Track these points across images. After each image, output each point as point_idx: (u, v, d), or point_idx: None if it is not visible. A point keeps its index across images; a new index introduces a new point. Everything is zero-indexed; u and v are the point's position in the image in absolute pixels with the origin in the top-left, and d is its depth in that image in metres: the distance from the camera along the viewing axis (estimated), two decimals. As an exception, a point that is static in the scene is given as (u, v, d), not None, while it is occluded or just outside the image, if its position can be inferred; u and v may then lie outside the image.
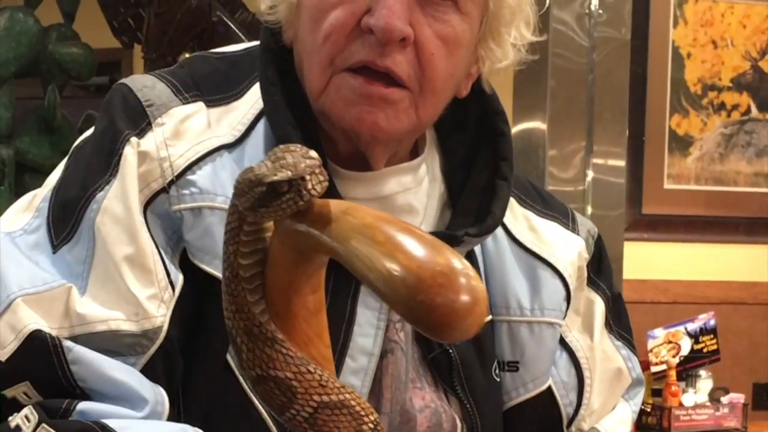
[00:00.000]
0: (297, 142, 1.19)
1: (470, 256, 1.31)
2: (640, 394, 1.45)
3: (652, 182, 3.94)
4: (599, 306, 1.40)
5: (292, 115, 1.22)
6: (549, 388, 1.35)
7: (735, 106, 4.06)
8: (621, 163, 2.77)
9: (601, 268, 1.41)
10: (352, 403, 0.95)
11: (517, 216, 1.36)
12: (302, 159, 0.93)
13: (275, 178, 0.91)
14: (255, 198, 0.92)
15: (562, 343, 1.36)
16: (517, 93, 2.79)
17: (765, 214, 4.07)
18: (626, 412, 1.43)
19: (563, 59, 2.74)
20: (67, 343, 1.11)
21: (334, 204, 0.94)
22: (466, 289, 0.84)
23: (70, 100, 4.31)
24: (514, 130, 2.75)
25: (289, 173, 0.91)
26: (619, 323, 1.44)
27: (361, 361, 1.22)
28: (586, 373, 1.37)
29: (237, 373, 1.20)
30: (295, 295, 0.98)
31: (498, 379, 1.33)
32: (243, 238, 0.96)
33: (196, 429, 1.13)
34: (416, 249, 0.86)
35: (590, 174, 2.72)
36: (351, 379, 1.21)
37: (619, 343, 1.43)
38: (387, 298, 0.86)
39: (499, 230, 1.33)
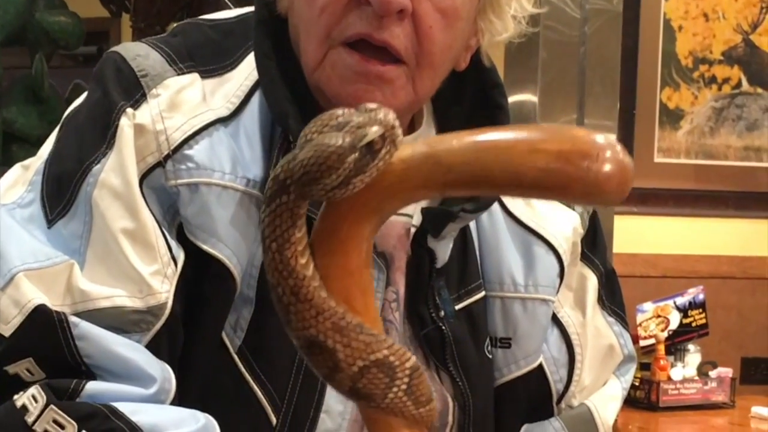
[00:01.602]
0: (293, 116, 1.18)
1: (464, 231, 1.30)
2: (632, 371, 1.45)
3: (642, 156, 3.93)
4: (592, 282, 1.39)
5: (288, 90, 1.19)
6: (540, 365, 1.34)
7: (726, 80, 4.05)
8: (612, 136, 2.76)
9: (596, 244, 1.40)
10: (391, 359, 0.92)
11: None
12: (369, 112, 0.90)
13: (369, 137, 0.88)
14: (348, 171, 0.88)
15: (554, 319, 1.36)
16: (508, 65, 2.77)
17: (755, 188, 4.07)
18: (617, 388, 1.42)
19: (555, 32, 2.72)
20: (73, 319, 1.10)
21: (413, 147, 0.92)
22: (620, 148, 0.88)
23: (57, 69, 4.29)
24: (505, 102, 2.73)
25: (379, 127, 0.89)
26: (612, 299, 1.43)
27: None
28: (577, 350, 1.37)
29: (232, 352, 1.19)
30: (344, 258, 0.95)
31: (490, 356, 1.32)
32: (298, 223, 0.92)
33: (207, 415, 1.12)
34: (549, 134, 0.88)
35: (581, 147, 2.71)
36: None
37: (611, 320, 1.42)
38: (547, 191, 0.87)
39: (495, 205, 1.32)
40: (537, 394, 1.36)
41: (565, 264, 1.34)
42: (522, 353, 1.33)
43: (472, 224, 1.32)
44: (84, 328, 1.09)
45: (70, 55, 5.12)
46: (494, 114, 1.28)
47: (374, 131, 0.88)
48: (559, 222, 1.35)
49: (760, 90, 4.10)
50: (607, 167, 0.85)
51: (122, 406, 1.07)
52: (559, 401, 1.37)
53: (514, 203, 1.34)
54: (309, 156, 0.88)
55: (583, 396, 1.39)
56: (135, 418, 1.07)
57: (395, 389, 0.92)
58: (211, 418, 1.12)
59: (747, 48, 4.08)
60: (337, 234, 0.93)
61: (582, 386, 1.38)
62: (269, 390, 1.20)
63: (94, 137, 1.16)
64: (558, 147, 0.86)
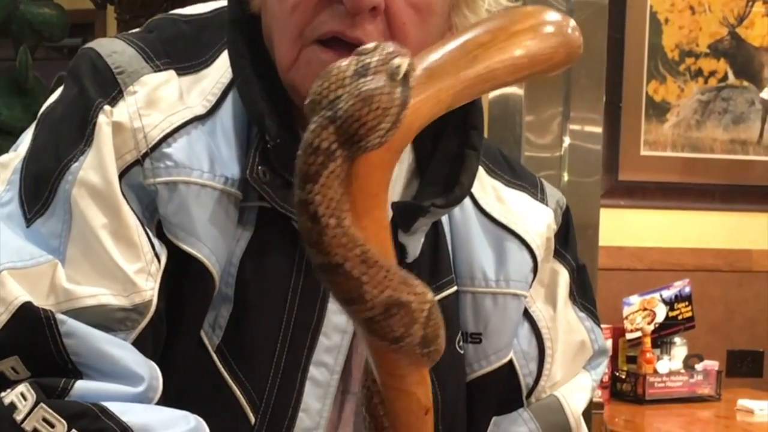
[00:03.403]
0: (269, 116, 1.16)
1: (436, 226, 1.29)
2: (603, 365, 1.44)
3: (628, 149, 3.93)
4: (563, 277, 1.39)
5: (263, 88, 1.18)
6: (510, 360, 1.34)
7: (712, 73, 4.06)
8: (598, 129, 2.75)
9: (568, 240, 1.40)
10: (410, 298, 0.91)
11: (485, 186, 1.34)
12: (376, 50, 0.88)
13: (404, 67, 0.87)
14: (399, 108, 0.86)
15: (526, 313, 1.35)
16: (494, 58, 2.77)
17: (741, 181, 4.07)
18: (586, 380, 1.42)
19: (541, 24, 2.71)
20: (60, 316, 1.08)
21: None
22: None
23: (42, 61, 4.26)
24: (491, 95, 2.73)
25: (402, 57, 0.87)
26: (583, 295, 1.42)
27: (335, 339, 1.20)
28: (547, 344, 1.36)
29: (210, 351, 1.18)
30: (380, 212, 0.94)
31: (462, 351, 1.31)
32: (346, 189, 0.89)
33: (198, 418, 1.11)
34: (506, 19, 0.96)
35: (567, 140, 2.70)
36: (324, 357, 1.20)
37: (582, 315, 1.41)
38: (539, 64, 0.93)
39: (467, 201, 1.31)
40: (507, 389, 1.35)
41: (539, 260, 1.34)
42: (492, 348, 1.32)
43: (445, 219, 1.31)
44: (71, 325, 1.08)
45: (55, 47, 5.09)
46: (467, 109, 1.27)
47: (405, 61, 0.87)
48: (532, 218, 1.35)
49: (746, 83, 4.10)
50: (572, 26, 0.94)
51: (112, 406, 1.06)
52: (529, 395, 1.37)
53: (486, 199, 1.33)
54: (358, 108, 0.85)
55: (554, 390, 1.38)
56: (125, 418, 1.05)
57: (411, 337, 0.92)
58: (201, 420, 1.11)
59: (733, 41, 4.08)
60: (371, 189, 0.91)
61: (553, 381, 1.37)
62: (248, 389, 1.19)
63: (72, 135, 1.15)
64: (529, 24, 0.94)
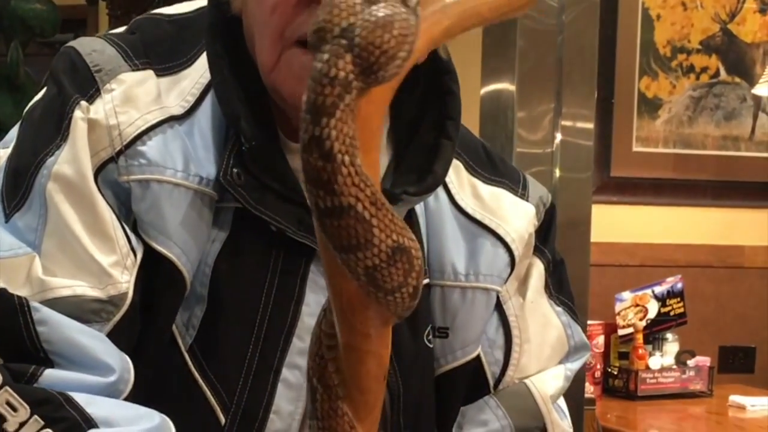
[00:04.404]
0: (246, 118, 1.16)
1: (411, 216, 1.28)
2: (582, 359, 1.42)
3: (620, 145, 3.93)
4: (537, 268, 1.37)
5: (241, 90, 1.19)
6: (478, 356, 1.32)
7: (704, 69, 4.06)
8: (590, 125, 2.75)
9: (548, 237, 1.39)
10: (411, 245, 0.87)
11: (463, 183, 1.34)
12: None
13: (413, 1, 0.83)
14: (415, 37, 0.82)
15: (498, 306, 1.33)
16: (485, 54, 2.76)
17: (733, 177, 4.08)
18: (558, 369, 1.39)
19: (532, 20, 2.71)
20: (34, 304, 1.08)
21: None
22: None
23: (33, 57, 4.25)
24: (483, 91, 2.72)
25: None
26: (560, 289, 1.41)
27: (308, 341, 1.20)
28: (515, 332, 1.35)
29: (183, 350, 1.18)
30: (376, 153, 0.89)
31: (431, 345, 1.30)
32: (357, 125, 0.83)
33: (163, 416, 1.11)
34: None
35: (558, 136, 2.70)
36: (298, 360, 1.20)
37: (559, 309, 1.40)
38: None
39: (443, 196, 1.31)
40: (476, 381, 1.34)
41: (516, 255, 1.33)
42: (459, 343, 1.31)
43: (420, 211, 1.30)
44: (45, 313, 1.08)
45: (46, 42, 5.09)
46: (445, 100, 1.27)
47: None
48: (510, 214, 1.34)
49: (737, 79, 4.10)
50: None
51: (78, 396, 1.06)
52: (496, 385, 1.35)
53: (462, 195, 1.33)
54: (379, 34, 0.80)
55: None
56: (89, 409, 1.06)
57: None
58: (167, 418, 1.11)
59: (725, 37, 4.08)
60: (372, 126, 0.86)
61: (524, 374, 1.36)
62: (218, 389, 1.19)
63: (49, 131, 1.16)
64: None
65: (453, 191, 1.33)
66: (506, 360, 1.35)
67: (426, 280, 1.29)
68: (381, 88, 0.85)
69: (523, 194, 1.36)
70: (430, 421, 1.33)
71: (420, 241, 1.30)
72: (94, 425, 1.05)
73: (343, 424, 0.94)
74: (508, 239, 1.32)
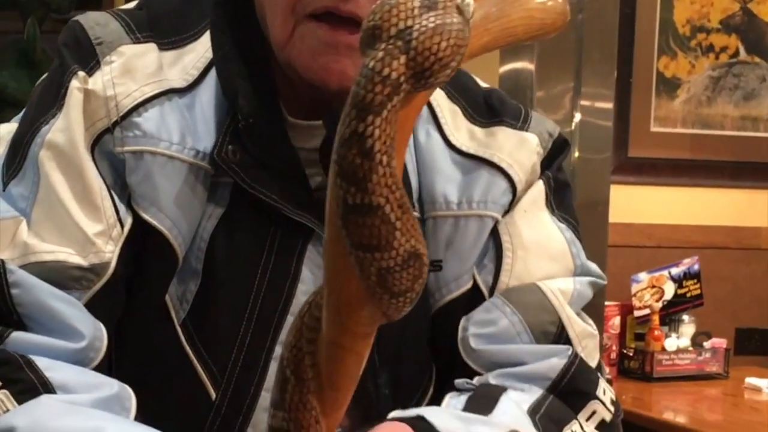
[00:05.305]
0: (245, 94, 1.16)
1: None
2: (591, 281, 1.33)
3: (638, 125, 3.91)
4: (537, 185, 1.33)
5: (244, 66, 1.19)
6: (473, 286, 1.28)
7: (723, 48, 4.03)
8: (609, 105, 2.74)
9: (552, 163, 1.34)
10: (425, 252, 0.86)
11: (459, 126, 1.31)
12: None
13: (472, 6, 0.83)
14: (466, 47, 0.82)
15: (494, 233, 1.29)
16: (504, 32, 2.76)
17: (751, 158, 4.05)
18: (567, 281, 1.31)
19: (552, -2, 2.70)
20: (10, 266, 1.11)
21: None
22: None
23: (49, 34, 4.25)
24: (502, 70, 2.71)
25: None
26: (564, 208, 1.35)
27: None
28: (504, 237, 1.30)
29: (176, 324, 1.19)
30: (401, 158, 0.89)
31: None
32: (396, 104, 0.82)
33: (123, 384, 1.12)
34: None
35: (578, 116, 2.69)
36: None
37: (562, 225, 1.34)
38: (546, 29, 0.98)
39: (435, 134, 1.29)
40: (475, 306, 1.29)
41: (516, 180, 1.29)
42: (452, 275, 1.27)
43: (409, 148, 1.27)
44: (20, 275, 1.10)
45: (63, 19, 5.09)
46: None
47: (471, 0, 0.83)
48: (510, 146, 1.30)
49: (757, 59, 4.07)
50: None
51: (39, 360, 1.08)
52: (491, 293, 1.29)
53: (458, 136, 1.30)
54: (436, 41, 0.80)
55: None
56: (48, 373, 1.07)
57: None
58: (127, 387, 1.12)
59: (745, 17, 4.05)
60: (405, 129, 0.87)
61: (524, 281, 1.29)
62: (209, 365, 1.20)
63: (47, 101, 1.18)
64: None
65: (447, 131, 1.30)
66: (498, 267, 1.30)
67: (416, 214, 1.26)
68: (422, 93, 0.84)
69: (523, 126, 1.33)
70: (412, 360, 1.29)
71: (406, 177, 1.27)
72: (51, 389, 1.06)
73: (310, 418, 0.94)
74: (503, 165, 1.29)
